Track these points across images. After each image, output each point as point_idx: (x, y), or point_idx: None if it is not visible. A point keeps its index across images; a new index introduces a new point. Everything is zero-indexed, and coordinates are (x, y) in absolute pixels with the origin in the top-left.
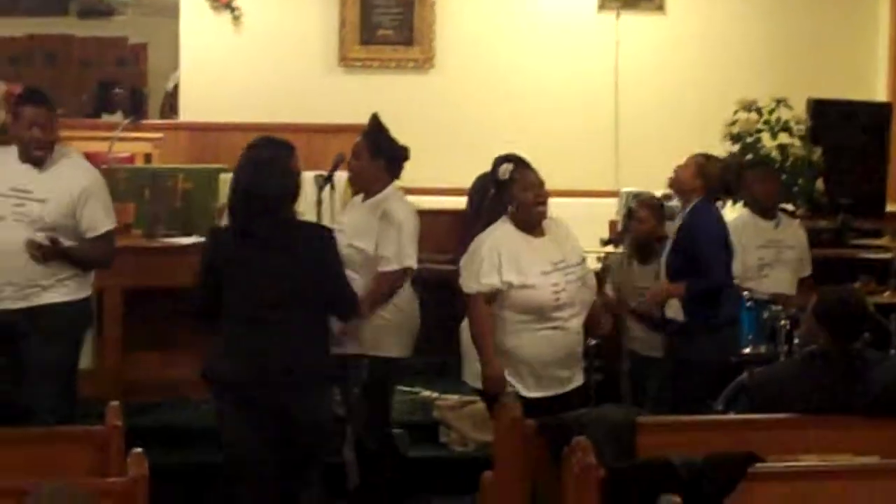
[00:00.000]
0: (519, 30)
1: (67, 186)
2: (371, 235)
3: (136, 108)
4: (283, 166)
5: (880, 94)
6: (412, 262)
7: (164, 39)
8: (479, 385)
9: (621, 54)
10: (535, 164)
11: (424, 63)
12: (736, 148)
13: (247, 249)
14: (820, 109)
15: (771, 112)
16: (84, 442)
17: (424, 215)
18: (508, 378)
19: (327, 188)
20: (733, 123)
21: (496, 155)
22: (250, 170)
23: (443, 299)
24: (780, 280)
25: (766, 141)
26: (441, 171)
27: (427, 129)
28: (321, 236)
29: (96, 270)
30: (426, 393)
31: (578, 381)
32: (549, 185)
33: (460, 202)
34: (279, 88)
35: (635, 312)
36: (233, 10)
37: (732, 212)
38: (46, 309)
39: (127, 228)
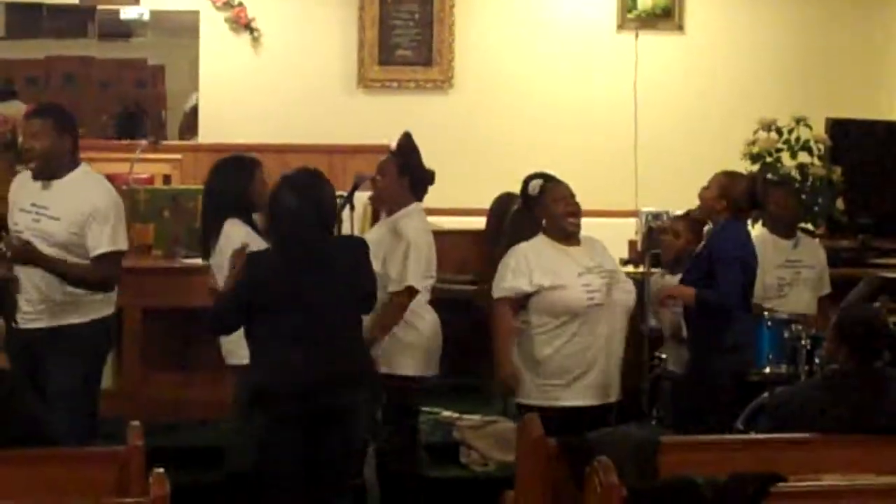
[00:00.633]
0: (538, 50)
1: (79, 205)
2: (382, 253)
3: (155, 130)
4: (323, 191)
5: None
6: (416, 282)
7: (184, 61)
8: (528, 401)
9: (640, 74)
10: None
11: (443, 83)
12: (756, 167)
13: (290, 269)
14: (839, 129)
15: (790, 131)
16: (105, 462)
17: (444, 236)
18: (545, 387)
19: (347, 208)
20: (753, 143)
21: (515, 175)
22: (290, 196)
23: (462, 319)
24: (799, 299)
25: (786, 160)
26: (460, 192)
27: (446, 150)
28: (356, 246)
29: (118, 290)
30: (447, 413)
31: (616, 394)
32: None
33: (479, 222)
34: (298, 109)
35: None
36: (252, 31)
37: (753, 232)
38: (66, 329)
39: (147, 249)
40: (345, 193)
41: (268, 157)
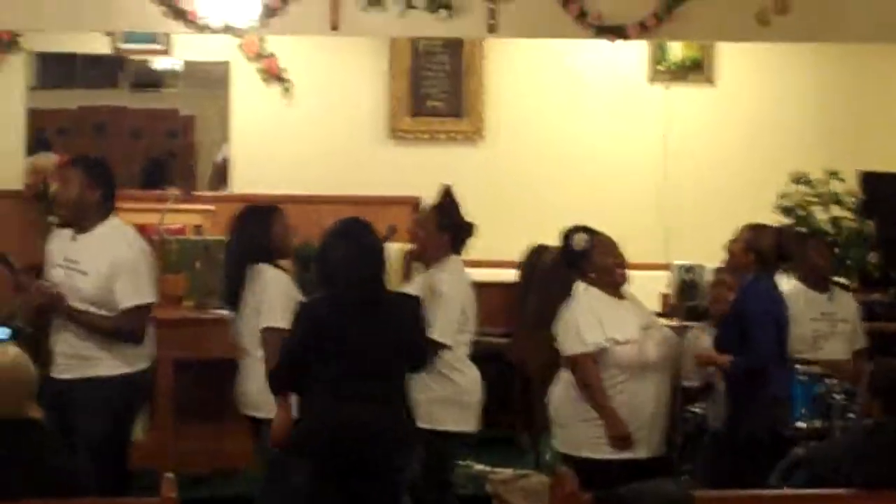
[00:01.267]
0: (569, 101)
1: (105, 259)
2: None
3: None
4: (376, 240)
5: None
6: (442, 337)
7: (214, 111)
8: (573, 452)
9: (670, 126)
10: None
11: (474, 135)
12: (788, 221)
13: (343, 322)
14: (871, 181)
15: (823, 185)
16: None
17: (475, 288)
18: (597, 439)
19: None
20: (785, 196)
21: (545, 227)
22: (345, 244)
23: (493, 372)
24: (835, 352)
25: (818, 214)
26: (491, 243)
27: (477, 201)
28: (413, 303)
29: (153, 343)
30: (479, 466)
31: (662, 448)
32: None
33: (509, 274)
34: (329, 160)
35: None
36: (283, 81)
37: (786, 284)
38: (95, 381)
39: (178, 300)
40: None
41: (298, 208)
